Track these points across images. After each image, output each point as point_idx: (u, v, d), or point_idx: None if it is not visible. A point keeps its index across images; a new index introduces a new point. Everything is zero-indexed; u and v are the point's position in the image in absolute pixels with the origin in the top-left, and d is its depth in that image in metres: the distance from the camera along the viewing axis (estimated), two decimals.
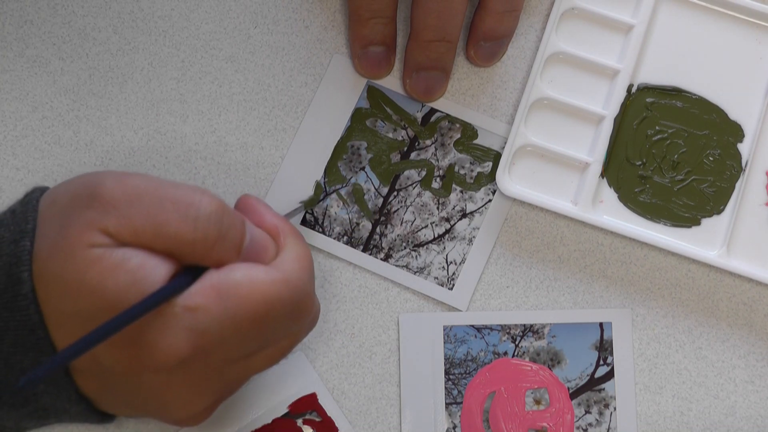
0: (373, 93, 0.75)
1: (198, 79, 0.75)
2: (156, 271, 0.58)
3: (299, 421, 0.71)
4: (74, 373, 0.61)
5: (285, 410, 0.71)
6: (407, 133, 0.75)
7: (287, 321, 0.61)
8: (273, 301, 0.60)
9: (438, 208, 0.74)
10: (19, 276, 0.59)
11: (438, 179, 0.74)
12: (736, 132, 0.75)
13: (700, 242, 0.73)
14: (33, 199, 0.62)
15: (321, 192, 0.73)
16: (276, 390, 0.71)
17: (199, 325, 0.59)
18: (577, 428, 0.72)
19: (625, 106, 0.74)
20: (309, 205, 0.73)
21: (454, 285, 0.73)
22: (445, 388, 0.72)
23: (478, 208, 0.74)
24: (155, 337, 0.58)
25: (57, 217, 0.60)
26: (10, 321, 0.59)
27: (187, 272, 0.60)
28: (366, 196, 0.74)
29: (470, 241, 0.73)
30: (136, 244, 0.59)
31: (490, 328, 0.73)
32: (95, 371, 0.60)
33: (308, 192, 0.74)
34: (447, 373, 0.72)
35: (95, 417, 0.63)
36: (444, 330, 0.72)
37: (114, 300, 0.57)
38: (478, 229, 0.74)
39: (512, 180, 0.74)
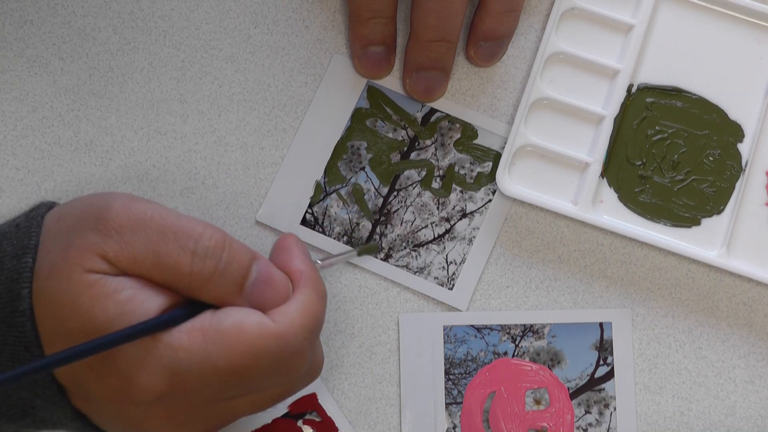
0: (373, 93, 0.75)
1: (198, 79, 0.75)
2: (146, 304, 0.58)
3: (299, 421, 0.71)
4: (69, 390, 0.61)
5: (285, 410, 0.71)
6: (407, 133, 0.75)
7: (272, 375, 0.60)
8: (257, 354, 0.58)
9: (438, 208, 0.74)
10: (18, 292, 0.59)
11: (438, 179, 0.74)
12: (736, 132, 0.75)
13: (700, 242, 0.73)
14: (38, 215, 0.61)
15: (377, 245, 0.72)
16: None
17: (179, 365, 0.58)
18: (577, 428, 0.72)
19: (625, 106, 0.74)
20: (365, 252, 0.72)
21: (454, 285, 0.73)
22: (445, 388, 0.72)
23: (478, 208, 0.74)
24: (134, 370, 0.58)
25: (61, 235, 0.60)
26: (8, 336, 0.59)
27: (182, 309, 0.59)
28: (366, 196, 0.74)
29: (470, 241, 0.73)
30: (134, 272, 0.59)
31: (490, 328, 0.72)
32: (81, 394, 0.60)
33: (308, 192, 0.73)
34: (447, 373, 0.72)
35: (90, 431, 0.63)
36: (444, 330, 0.72)
37: (101, 327, 0.57)
38: (478, 229, 0.74)
39: (512, 180, 0.74)
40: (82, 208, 0.60)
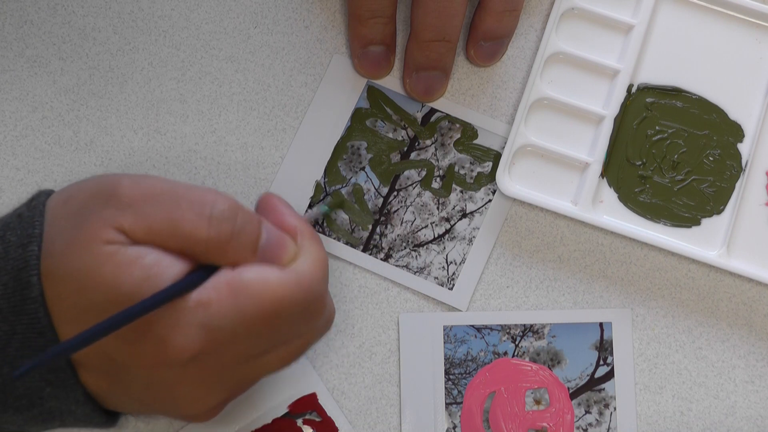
0: (373, 93, 0.75)
1: (198, 79, 0.75)
2: (170, 269, 0.59)
3: (299, 421, 0.71)
4: (84, 371, 0.61)
5: (285, 410, 0.71)
6: (407, 133, 0.75)
7: (298, 322, 0.61)
8: (283, 301, 0.60)
9: (438, 208, 0.74)
10: (28, 280, 0.60)
11: (438, 179, 0.74)
12: (736, 132, 0.75)
13: (700, 242, 0.73)
14: (39, 203, 0.62)
15: (341, 195, 0.73)
16: (276, 390, 0.71)
17: (211, 321, 0.59)
18: (577, 428, 0.72)
19: (625, 106, 0.74)
20: (333, 207, 0.72)
21: (454, 285, 0.73)
22: (445, 388, 0.72)
23: (478, 208, 0.74)
24: (168, 332, 0.59)
25: (72, 215, 0.60)
26: (17, 324, 0.60)
27: (201, 270, 0.60)
28: (366, 196, 0.74)
29: (470, 241, 0.73)
30: (150, 243, 0.59)
31: (490, 328, 0.73)
32: (106, 368, 0.61)
33: (308, 192, 0.74)
34: (447, 373, 0.72)
35: (100, 418, 0.64)
36: (444, 330, 0.72)
37: (128, 294, 0.58)
38: (478, 229, 0.74)
39: (512, 180, 0.74)
40: (90, 188, 0.61)
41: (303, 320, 0.61)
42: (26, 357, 0.60)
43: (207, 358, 0.60)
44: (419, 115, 0.75)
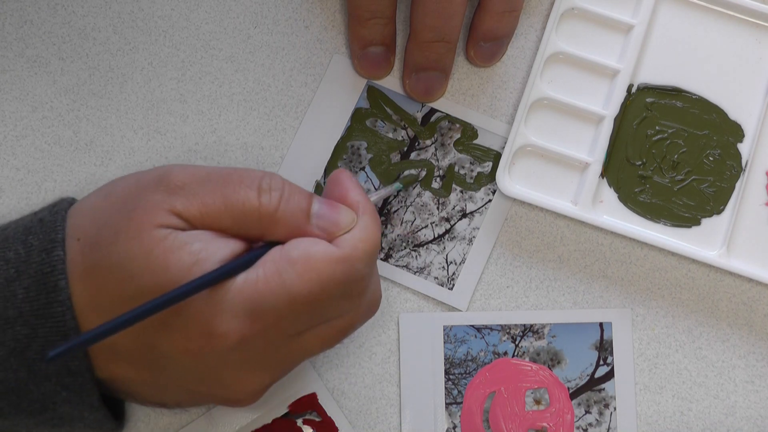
0: (373, 93, 0.75)
1: (198, 79, 0.75)
2: (219, 252, 0.60)
3: (299, 421, 0.71)
4: (125, 364, 0.61)
5: (285, 410, 0.71)
6: (407, 133, 0.75)
7: (340, 299, 0.62)
8: (327, 279, 0.60)
9: (438, 208, 0.74)
10: (55, 284, 0.60)
11: (438, 179, 0.74)
12: (736, 132, 0.75)
13: (700, 242, 0.73)
14: (62, 209, 0.63)
15: (415, 175, 0.73)
16: (276, 390, 0.71)
17: (257, 299, 0.59)
18: (577, 428, 0.72)
19: (625, 106, 0.74)
20: (407, 184, 0.73)
21: (454, 285, 0.73)
22: (445, 388, 0.72)
23: (478, 208, 0.74)
24: (213, 317, 0.59)
25: (119, 204, 0.61)
26: (40, 328, 0.60)
27: (251, 252, 0.61)
28: None
29: (470, 241, 0.73)
30: (204, 221, 0.60)
31: (490, 328, 0.73)
32: (148, 359, 0.61)
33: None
34: (447, 373, 0.72)
35: (111, 424, 0.64)
36: (444, 330, 0.72)
37: (177, 278, 0.59)
38: (478, 229, 0.74)
39: (512, 180, 0.74)
40: (135, 179, 0.62)
41: (345, 298, 0.62)
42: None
43: (251, 340, 0.60)
44: (419, 115, 0.75)
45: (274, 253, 0.61)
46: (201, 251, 0.59)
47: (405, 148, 0.75)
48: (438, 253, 0.73)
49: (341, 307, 0.62)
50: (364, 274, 0.62)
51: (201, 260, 0.59)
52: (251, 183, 0.61)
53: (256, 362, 0.61)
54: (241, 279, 0.60)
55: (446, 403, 0.72)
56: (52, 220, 0.62)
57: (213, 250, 0.60)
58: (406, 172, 0.74)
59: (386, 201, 0.74)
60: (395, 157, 0.74)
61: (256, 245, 0.62)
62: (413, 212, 0.74)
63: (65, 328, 0.60)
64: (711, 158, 0.74)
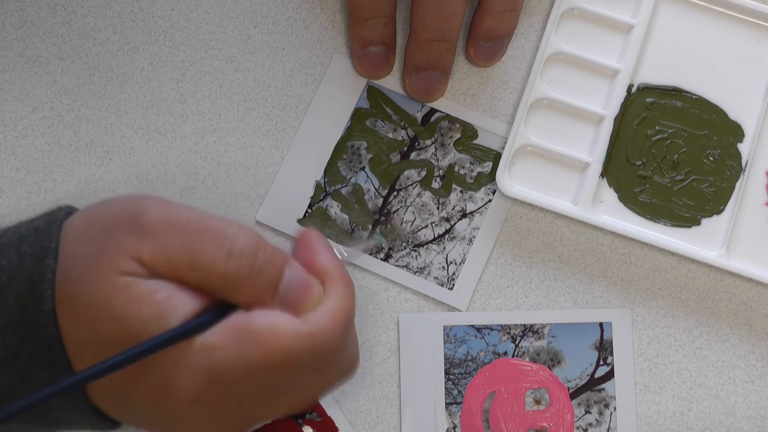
0: (373, 93, 0.75)
1: (198, 79, 0.75)
2: (181, 307, 0.58)
3: (299, 421, 0.71)
4: (93, 390, 0.61)
5: None
6: (407, 133, 0.75)
7: (307, 374, 0.59)
8: (291, 354, 0.58)
9: (438, 208, 0.74)
10: (41, 293, 0.59)
11: (438, 179, 0.74)
12: (736, 132, 0.75)
13: (700, 242, 0.73)
14: (57, 219, 0.61)
15: (398, 231, 0.72)
16: None
17: (214, 366, 0.58)
18: (577, 428, 0.72)
19: (625, 106, 0.74)
20: (390, 236, 0.72)
21: (454, 285, 0.73)
22: (445, 388, 0.72)
23: (478, 208, 0.74)
24: (171, 373, 0.58)
25: (93, 238, 0.59)
26: (27, 337, 0.59)
27: (213, 311, 0.59)
28: (366, 196, 0.74)
29: (470, 241, 0.73)
30: (168, 274, 0.58)
31: (490, 328, 0.73)
32: (114, 393, 0.60)
33: (308, 192, 0.73)
34: (447, 373, 0.72)
35: (106, 424, 0.63)
36: (444, 330, 0.72)
37: (135, 331, 0.57)
38: (478, 229, 0.74)
39: (512, 180, 0.74)
40: (115, 211, 0.60)
41: (313, 373, 0.60)
42: (35, 370, 0.60)
43: (210, 401, 0.59)
44: (419, 115, 0.75)
45: (236, 319, 0.58)
46: (162, 304, 0.57)
47: (405, 148, 0.75)
48: (438, 253, 0.73)
49: (310, 380, 0.60)
50: (333, 347, 0.59)
51: (162, 314, 0.57)
52: (221, 244, 0.58)
53: (215, 420, 0.60)
54: (199, 343, 0.58)
55: (446, 403, 0.72)
56: (47, 229, 0.61)
57: (175, 304, 0.58)
58: (389, 227, 0.73)
59: (386, 201, 0.74)
60: (395, 157, 0.74)
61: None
62: (413, 212, 0.74)
63: (48, 340, 0.59)
64: (711, 158, 0.74)
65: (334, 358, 0.60)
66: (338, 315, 0.59)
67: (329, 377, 0.61)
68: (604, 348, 0.72)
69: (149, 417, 0.61)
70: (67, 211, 0.63)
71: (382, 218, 0.73)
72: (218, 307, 0.59)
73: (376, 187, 0.74)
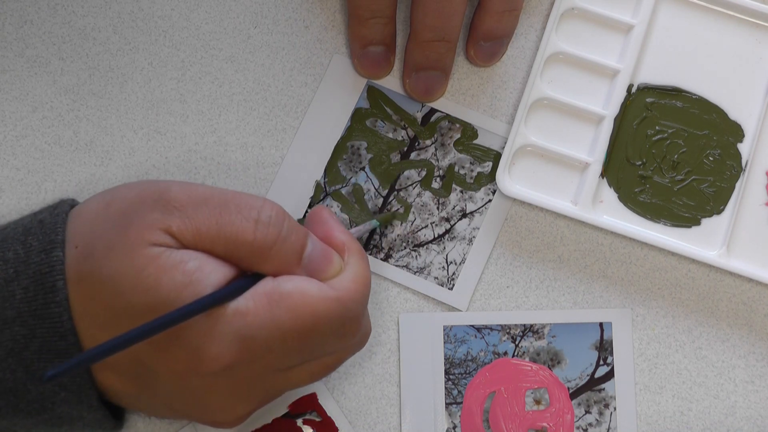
0: (373, 93, 0.75)
1: (198, 79, 0.75)
2: (213, 275, 0.59)
3: (299, 421, 0.71)
4: (111, 373, 0.61)
5: (285, 410, 0.71)
6: (407, 133, 0.75)
7: (332, 338, 0.61)
8: (320, 316, 0.60)
9: (438, 208, 0.74)
10: (53, 284, 0.60)
11: (438, 179, 0.74)
12: (736, 132, 0.75)
13: (700, 242, 0.73)
14: (63, 211, 0.62)
15: (395, 213, 0.73)
16: None
17: (247, 331, 0.59)
18: (577, 428, 0.72)
19: (625, 106, 0.74)
20: (384, 221, 0.72)
21: (454, 285, 0.73)
22: (445, 388, 0.72)
23: (478, 208, 0.74)
24: (203, 341, 0.59)
25: (116, 217, 0.60)
26: (38, 328, 0.60)
27: (243, 279, 0.60)
28: (366, 196, 0.74)
29: (470, 241, 0.73)
30: (197, 246, 0.60)
31: (490, 328, 0.73)
32: (135, 372, 0.61)
33: (308, 192, 0.74)
34: (447, 373, 0.72)
35: (109, 423, 0.64)
36: (444, 330, 0.72)
37: (168, 299, 0.58)
38: (478, 229, 0.74)
39: (512, 180, 0.74)
40: (137, 191, 0.61)
41: (338, 337, 0.61)
42: (44, 360, 0.60)
43: (239, 369, 0.60)
44: (419, 115, 0.75)
45: (266, 284, 0.60)
46: (196, 271, 0.58)
47: (405, 148, 0.75)
48: (438, 253, 0.73)
49: (333, 345, 0.62)
50: (357, 313, 0.62)
51: (195, 281, 0.58)
52: (249, 213, 0.60)
53: (241, 390, 0.61)
54: (232, 309, 0.59)
55: (446, 403, 0.72)
56: (52, 222, 0.62)
57: (207, 271, 0.59)
58: (386, 210, 0.73)
59: (386, 201, 0.74)
60: (395, 157, 0.74)
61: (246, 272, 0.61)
62: (413, 212, 0.74)
63: (62, 329, 0.60)
64: (711, 158, 0.74)
65: (356, 323, 0.62)
66: (360, 282, 0.62)
67: (348, 345, 0.63)
68: (604, 348, 0.72)
69: (171, 393, 0.61)
70: (71, 204, 0.64)
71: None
72: (247, 277, 0.60)
73: (376, 187, 0.74)
